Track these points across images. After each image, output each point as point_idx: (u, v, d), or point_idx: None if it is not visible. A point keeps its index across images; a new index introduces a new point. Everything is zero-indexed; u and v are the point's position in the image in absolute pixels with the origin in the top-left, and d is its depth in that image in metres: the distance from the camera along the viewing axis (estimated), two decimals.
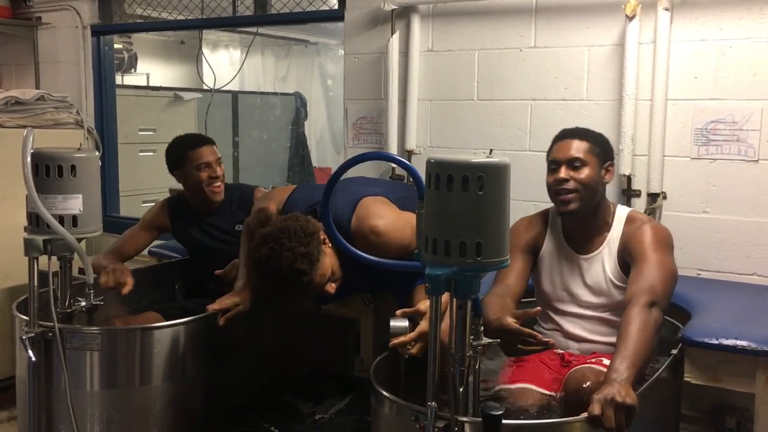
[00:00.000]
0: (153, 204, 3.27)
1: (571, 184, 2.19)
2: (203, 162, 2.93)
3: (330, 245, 2.23)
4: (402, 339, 2.01)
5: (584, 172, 2.20)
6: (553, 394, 2.13)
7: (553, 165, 2.23)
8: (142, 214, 3.24)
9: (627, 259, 2.20)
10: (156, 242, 3.31)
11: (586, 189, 2.20)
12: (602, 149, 2.26)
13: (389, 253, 2.19)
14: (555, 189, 2.22)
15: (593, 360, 2.18)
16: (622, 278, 2.22)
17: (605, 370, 2.05)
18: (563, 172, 2.19)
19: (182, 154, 2.96)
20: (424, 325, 2.01)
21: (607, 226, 2.27)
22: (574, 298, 2.30)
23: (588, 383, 1.98)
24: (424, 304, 2.08)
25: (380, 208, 2.34)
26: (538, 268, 2.36)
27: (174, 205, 3.15)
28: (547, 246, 2.35)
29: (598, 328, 2.28)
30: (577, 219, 2.26)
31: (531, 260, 2.34)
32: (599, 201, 2.26)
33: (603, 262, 2.26)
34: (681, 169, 2.82)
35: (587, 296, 2.28)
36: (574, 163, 2.20)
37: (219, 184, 2.96)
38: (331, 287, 2.26)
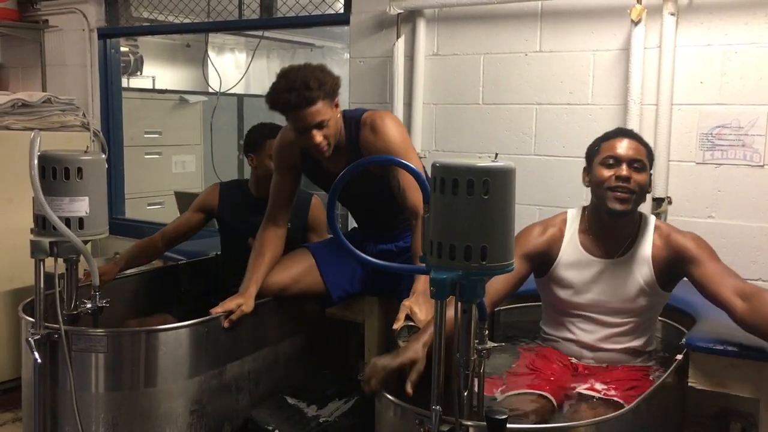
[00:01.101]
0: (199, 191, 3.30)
1: (632, 184, 2.14)
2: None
3: (341, 114, 2.48)
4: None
5: (643, 176, 2.16)
6: (562, 406, 2.09)
7: (611, 160, 2.16)
8: (141, 216, 3.24)
9: (675, 265, 2.17)
10: None
11: (641, 192, 2.17)
12: (652, 157, 2.25)
13: (388, 146, 2.41)
14: (612, 185, 2.14)
15: (610, 385, 2.15)
16: (653, 284, 2.20)
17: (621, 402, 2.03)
18: (626, 170, 2.14)
19: (262, 140, 2.98)
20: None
21: (634, 235, 2.23)
22: (596, 304, 2.24)
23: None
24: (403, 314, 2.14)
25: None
26: (553, 276, 2.29)
27: (226, 190, 3.17)
28: (566, 252, 2.27)
29: (616, 336, 2.25)
30: (614, 222, 2.21)
31: (528, 268, 2.26)
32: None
33: (633, 266, 2.21)
34: (686, 173, 2.82)
35: (611, 302, 2.23)
36: (634, 164, 2.15)
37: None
38: (324, 145, 2.40)
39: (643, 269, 2.21)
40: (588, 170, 2.25)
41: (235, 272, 2.99)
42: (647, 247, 2.22)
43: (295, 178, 2.72)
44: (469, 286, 1.52)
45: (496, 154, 1.61)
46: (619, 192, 2.14)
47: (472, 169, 1.47)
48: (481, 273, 1.49)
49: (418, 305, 2.20)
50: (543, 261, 2.29)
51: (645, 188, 2.19)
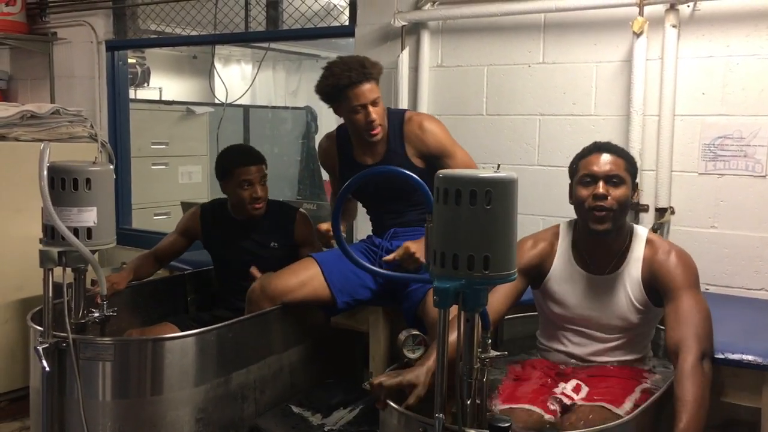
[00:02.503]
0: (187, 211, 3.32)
1: (609, 202, 2.10)
2: (247, 179, 2.96)
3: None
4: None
5: (621, 190, 2.13)
6: (551, 418, 2.06)
7: (588, 178, 2.15)
8: (148, 226, 3.27)
9: (657, 288, 2.15)
10: None
11: (621, 208, 2.13)
12: (634, 168, 2.20)
13: (439, 142, 2.69)
14: (591, 205, 2.12)
15: (594, 374, 2.16)
16: (645, 302, 2.19)
17: (601, 405, 2.02)
18: (602, 188, 2.12)
19: (230, 167, 2.99)
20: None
21: (625, 247, 2.21)
22: (587, 319, 2.24)
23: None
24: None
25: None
26: (546, 290, 2.29)
27: (208, 213, 3.17)
28: (557, 267, 2.27)
29: (609, 350, 2.25)
30: (600, 239, 2.19)
31: (525, 282, 2.25)
32: (624, 221, 2.20)
33: (624, 283, 2.20)
34: (689, 184, 2.83)
35: (602, 318, 2.22)
36: (612, 180, 2.12)
37: (260, 204, 2.99)
38: (379, 122, 2.63)
39: (633, 286, 2.19)
40: (570, 188, 2.25)
41: (231, 291, 3.02)
42: (637, 263, 2.19)
43: (341, 181, 2.86)
44: (472, 295, 1.54)
45: (498, 165, 1.64)
46: (596, 212, 2.12)
47: (474, 180, 1.49)
48: (484, 282, 1.51)
49: (417, 244, 2.45)
50: (536, 274, 2.28)
51: (625, 203, 2.14)
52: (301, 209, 3.19)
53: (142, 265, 3.13)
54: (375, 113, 2.62)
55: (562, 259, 2.28)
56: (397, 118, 2.76)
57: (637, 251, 2.20)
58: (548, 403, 2.08)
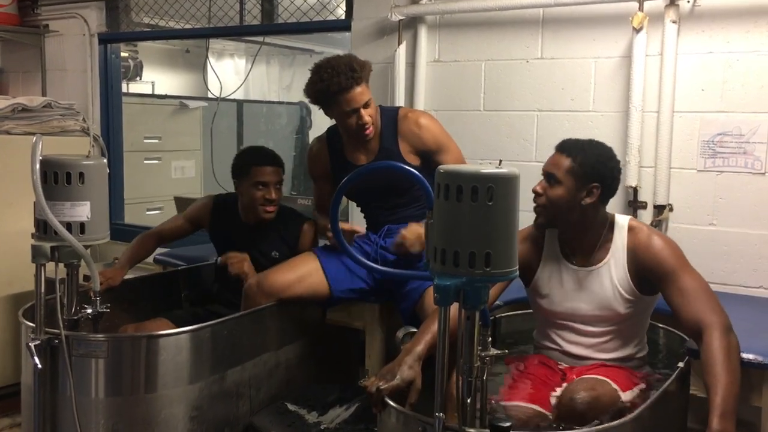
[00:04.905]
0: (197, 199, 3.30)
1: (540, 199, 2.17)
2: (262, 181, 2.90)
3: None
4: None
5: (555, 191, 2.14)
6: (549, 414, 2.06)
7: (542, 175, 2.22)
8: (140, 221, 3.23)
9: (647, 276, 2.14)
10: (161, 250, 3.31)
11: (553, 207, 2.15)
12: (589, 170, 2.13)
13: (435, 138, 2.68)
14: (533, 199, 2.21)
15: (592, 370, 2.15)
16: (632, 292, 2.17)
17: (604, 379, 2.04)
18: (539, 185, 2.19)
19: (246, 166, 2.94)
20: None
21: (607, 237, 2.21)
22: (576, 313, 2.23)
23: (581, 395, 1.94)
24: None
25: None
26: (536, 286, 2.29)
27: (220, 205, 3.11)
28: (545, 262, 2.28)
29: (601, 345, 2.23)
30: (569, 232, 2.22)
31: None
32: (586, 219, 2.17)
33: (610, 273, 2.19)
34: (687, 181, 2.82)
35: (591, 310, 2.21)
36: (550, 179, 2.16)
37: (272, 207, 2.93)
38: (371, 123, 2.61)
39: (619, 276, 2.18)
40: None
41: (228, 288, 2.99)
42: (622, 253, 2.19)
43: (333, 184, 2.80)
44: (473, 292, 1.51)
45: (500, 161, 1.62)
46: (534, 206, 2.20)
47: (476, 176, 1.47)
48: (485, 279, 1.49)
49: (411, 230, 2.52)
50: (525, 269, 2.26)
51: (559, 203, 2.14)
52: (310, 219, 3.07)
53: (144, 244, 3.08)
54: (367, 115, 2.60)
55: (550, 253, 2.29)
56: (390, 115, 2.74)
57: (621, 240, 2.20)
58: (551, 401, 2.08)
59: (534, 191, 2.18)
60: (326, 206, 2.78)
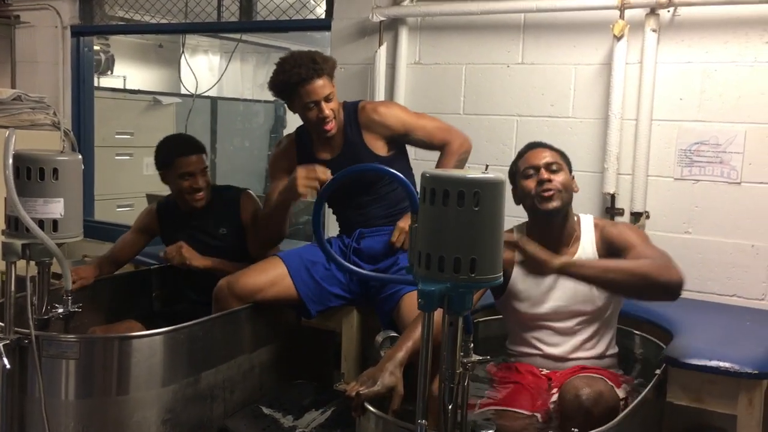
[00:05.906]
0: (144, 208, 3.24)
1: (553, 184, 2.21)
2: (187, 171, 2.88)
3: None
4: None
5: (562, 176, 2.23)
6: (536, 414, 2.08)
7: (531, 170, 2.25)
8: (110, 218, 3.17)
9: (613, 251, 2.21)
10: None
11: (566, 191, 2.23)
12: (568, 161, 2.32)
13: (399, 117, 2.66)
14: (538, 190, 2.22)
15: (577, 372, 2.16)
16: None
17: (599, 376, 2.06)
18: (545, 174, 2.22)
19: (169, 158, 2.91)
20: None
21: (576, 235, 2.29)
22: (556, 311, 2.26)
23: (585, 391, 1.94)
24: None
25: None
26: (511, 291, 2.30)
27: (163, 209, 3.09)
28: (519, 264, 2.27)
29: (582, 344, 2.25)
30: (552, 225, 2.25)
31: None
32: (570, 210, 2.28)
33: None
34: (664, 189, 2.84)
35: (569, 306, 2.24)
36: (551, 167, 2.23)
37: (201, 194, 2.92)
38: (332, 117, 2.59)
39: None
40: (514, 190, 2.31)
41: (189, 285, 2.96)
42: (591, 245, 2.27)
43: None
44: (458, 298, 1.50)
45: (487, 166, 1.60)
46: (544, 193, 2.21)
47: (463, 181, 1.45)
48: (470, 285, 1.47)
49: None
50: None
51: (568, 186, 2.25)
52: (248, 190, 3.08)
53: (103, 266, 3.04)
54: (328, 109, 2.58)
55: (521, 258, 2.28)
56: (351, 109, 2.72)
57: (588, 234, 2.29)
58: (549, 407, 2.09)
59: (543, 179, 2.21)
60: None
